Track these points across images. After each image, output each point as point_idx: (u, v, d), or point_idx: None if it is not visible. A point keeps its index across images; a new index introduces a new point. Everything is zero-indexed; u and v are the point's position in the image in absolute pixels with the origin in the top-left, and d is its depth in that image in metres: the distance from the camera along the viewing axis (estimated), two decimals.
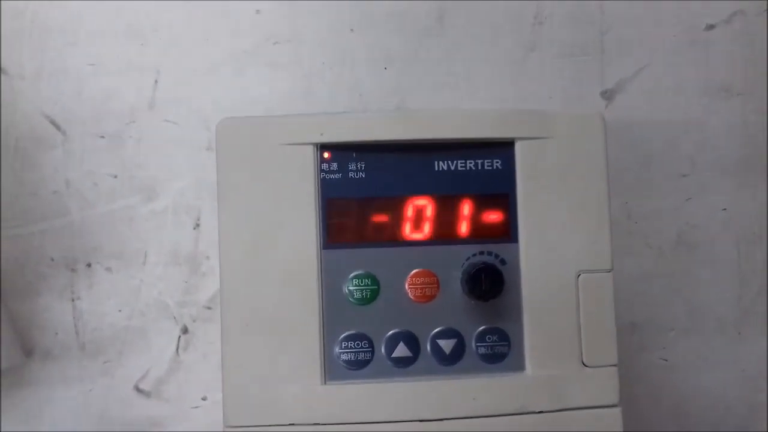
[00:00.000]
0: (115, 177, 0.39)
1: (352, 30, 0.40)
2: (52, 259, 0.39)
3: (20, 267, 0.39)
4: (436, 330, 0.27)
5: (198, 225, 0.40)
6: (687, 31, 0.42)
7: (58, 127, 0.39)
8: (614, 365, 0.27)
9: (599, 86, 0.41)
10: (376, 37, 0.40)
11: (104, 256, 0.39)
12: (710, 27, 0.42)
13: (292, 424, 0.26)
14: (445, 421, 0.26)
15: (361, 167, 0.27)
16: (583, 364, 0.27)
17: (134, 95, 0.40)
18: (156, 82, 0.40)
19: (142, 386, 0.39)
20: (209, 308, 0.39)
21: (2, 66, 0.39)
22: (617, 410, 0.27)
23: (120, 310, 0.39)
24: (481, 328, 0.27)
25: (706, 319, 0.41)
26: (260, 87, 0.40)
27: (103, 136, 0.39)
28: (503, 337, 0.27)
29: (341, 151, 0.27)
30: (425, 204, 0.27)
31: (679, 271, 0.41)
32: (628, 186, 0.41)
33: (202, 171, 0.40)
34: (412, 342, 0.27)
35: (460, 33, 0.40)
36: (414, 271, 0.27)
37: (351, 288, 0.26)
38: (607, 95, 0.41)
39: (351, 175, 0.27)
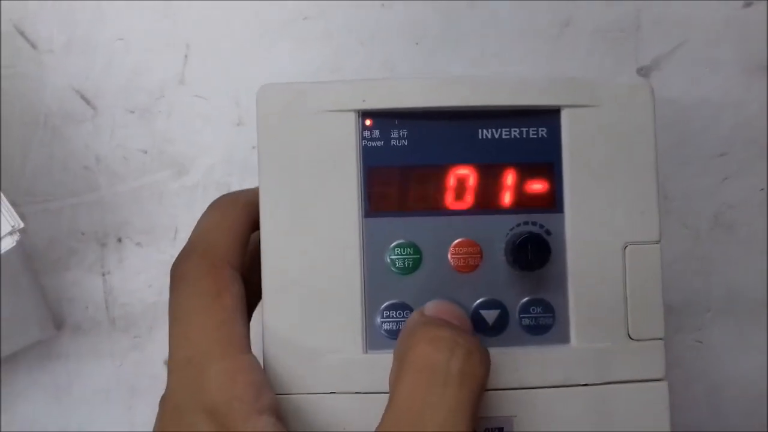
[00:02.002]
0: (145, 152, 0.39)
1: (383, 5, 0.40)
2: (83, 234, 0.39)
3: (51, 241, 0.39)
4: (479, 300, 0.26)
5: None
6: (725, 8, 0.41)
7: (88, 102, 0.39)
8: (661, 339, 0.26)
9: (635, 63, 0.40)
10: (407, 12, 0.40)
11: (134, 231, 0.39)
12: (748, 4, 0.41)
13: (333, 393, 0.25)
14: (487, 392, 0.25)
15: (403, 135, 0.26)
16: (629, 337, 0.26)
17: (164, 70, 0.39)
18: (186, 57, 0.40)
19: None
20: None
21: (32, 40, 0.39)
22: (663, 384, 0.26)
23: (150, 286, 0.39)
24: (525, 299, 0.26)
25: (742, 301, 0.40)
26: (291, 62, 0.40)
27: (133, 111, 0.39)
28: (548, 308, 0.26)
29: (383, 118, 0.26)
30: (468, 173, 0.26)
31: (715, 252, 0.40)
32: (665, 165, 0.40)
33: (232, 147, 0.39)
34: None
35: (493, 7, 0.40)
36: (457, 240, 0.26)
37: (393, 257, 0.26)
38: (643, 72, 0.40)
39: (393, 143, 0.26)
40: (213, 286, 0.24)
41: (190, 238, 0.27)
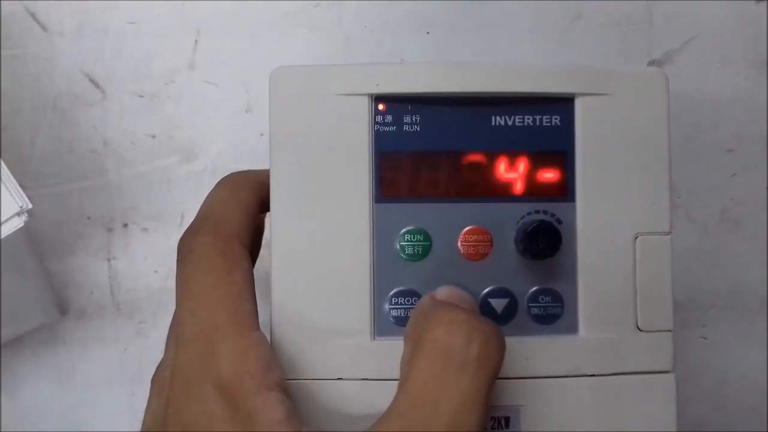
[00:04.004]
0: (154, 137, 0.39)
1: None
2: (89, 218, 0.39)
3: (57, 225, 0.39)
4: (488, 289, 0.26)
5: None
6: (736, 4, 0.41)
7: (97, 86, 0.39)
8: (669, 330, 0.26)
9: (646, 57, 0.40)
10: (418, 1, 0.40)
11: (141, 216, 0.39)
12: (760, 0, 0.41)
13: (340, 379, 0.25)
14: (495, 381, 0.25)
15: (416, 120, 0.26)
16: (638, 328, 0.26)
17: (174, 55, 0.39)
18: (196, 42, 0.39)
19: None
20: None
21: (43, 23, 0.39)
22: (671, 376, 0.26)
23: (156, 271, 0.39)
24: (534, 288, 0.26)
25: (748, 297, 0.40)
26: (301, 50, 0.39)
27: (142, 96, 0.39)
28: (557, 298, 0.26)
29: (396, 103, 0.26)
30: (480, 160, 0.26)
31: (721, 247, 0.40)
32: (673, 159, 0.40)
33: (240, 133, 0.39)
34: None
35: None
36: (467, 228, 0.26)
37: (402, 243, 0.26)
38: (654, 66, 0.40)
39: (405, 128, 0.26)
40: (223, 262, 0.24)
41: (198, 213, 0.26)
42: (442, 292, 0.24)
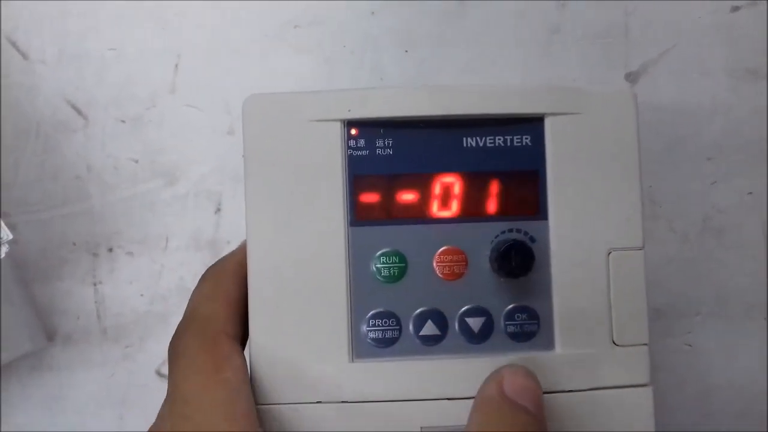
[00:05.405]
0: (136, 162, 0.39)
1: (373, 13, 0.40)
2: (74, 244, 0.39)
3: (42, 251, 0.39)
4: (464, 308, 0.26)
5: (219, 210, 0.40)
6: (712, 13, 0.41)
7: (79, 112, 0.39)
8: (645, 344, 0.26)
9: (623, 69, 0.41)
10: (397, 20, 0.40)
11: (125, 240, 0.39)
12: (735, 9, 0.41)
13: (320, 402, 0.26)
14: (473, 400, 0.25)
15: (388, 144, 0.26)
16: (614, 343, 0.26)
17: (155, 80, 0.40)
18: (177, 66, 0.40)
19: (163, 371, 0.39)
20: None
21: (24, 51, 0.39)
22: (648, 390, 0.26)
23: (141, 295, 0.39)
24: (510, 306, 0.26)
25: (732, 304, 0.40)
26: (282, 71, 0.40)
27: (124, 121, 0.39)
28: (532, 315, 0.26)
29: (369, 127, 0.26)
30: (453, 181, 0.26)
31: (704, 256, 0.40)
32: (653, 170, 0.40)
33: (223, 156, 0.40)
34: (440, 320, 0.26)
35: (483, 15, 0.40)
36: (442, 248, 0.26)
37: (378, 266, 0.26)
38: (632, 78, 0.41)
39: (378, 151, 0.26)
40: (212, 361, 0.24)
41: (184, 313, 0.26)
42: (510, 381, 0.23)
